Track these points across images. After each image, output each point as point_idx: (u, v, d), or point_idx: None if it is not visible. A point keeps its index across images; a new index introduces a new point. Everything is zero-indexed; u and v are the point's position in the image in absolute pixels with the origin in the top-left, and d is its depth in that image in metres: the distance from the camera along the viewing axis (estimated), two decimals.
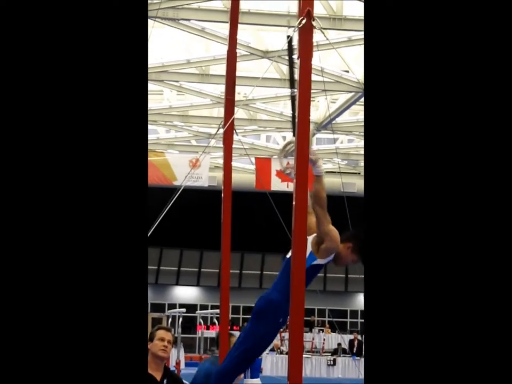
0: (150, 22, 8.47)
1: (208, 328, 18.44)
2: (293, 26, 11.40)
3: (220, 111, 16.54)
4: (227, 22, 5.13)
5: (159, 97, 17.14)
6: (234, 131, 5.03)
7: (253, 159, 16.40)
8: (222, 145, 5.07)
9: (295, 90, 4.78)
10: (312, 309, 25.62)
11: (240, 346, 4.18)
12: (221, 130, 5.02)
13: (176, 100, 17.06)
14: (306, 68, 3.28)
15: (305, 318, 3.49)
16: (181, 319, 14.17)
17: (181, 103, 16.94)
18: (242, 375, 5.50)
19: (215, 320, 13.90)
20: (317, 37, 3.30)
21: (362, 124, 2.80)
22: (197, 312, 18.24)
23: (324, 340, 21.99)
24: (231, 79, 5.02)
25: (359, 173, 19.78)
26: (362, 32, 2.71)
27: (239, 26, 5.11)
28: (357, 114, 17.17)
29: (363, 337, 19.30)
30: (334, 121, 16.65)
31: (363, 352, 16.75)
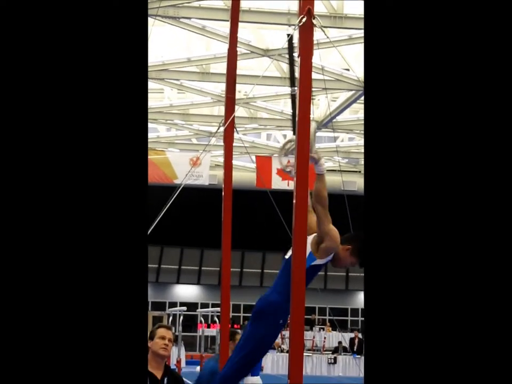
0: (150, 20, 8.47)
1: (208, 327, 18.46)
2: (293, 25, 11.40)
3: (220, 110, 16.54)
4: (228, 20, 5.13)
5: (159, 96, 17.14)
6: (234, 129, 5.03)
7: (254, 158, 16.39)
8: (222, 144, 5.06)
9: (295, 88, 4.78)
10: (313, 307, 25.64)
11: (241, 350, 4.16)
12: (222, 129, 5.02)
13: (176, 98, 17.06)
14: (306, 66, 3.28)
15: (305, 316, 3.49)
16: (181, 318, 14.17)
17: (182, 102, 16.93)
18: None
19: (216, 319, 13.91)
20: (318, 35, 3.30)
21: (363, 122, 2.79)
22: (197, 310, 18.23)
23: (325, 338, 22.00)
24: (231, 78, 5.02)
25: (360, 171, 19.77)
26: (363, 31, 2.71)
27: (240, 24, 5.11)
28: (357, 112, 17.17)
29: (364, 335, 19.31)
30: (334, 120, 16.64)
31: (364, 351, 16.75)
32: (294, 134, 4.59)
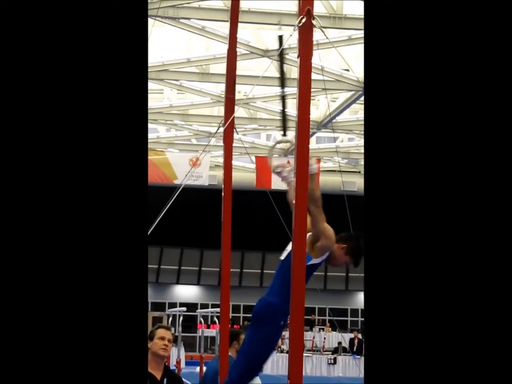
0: (150, 20, 8.46)
1: (208, 327, 18.44)
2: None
3: (220, 110, 16.54)
4: (227, 21, 5.13)
5: (159, 96, 17.14)
6: (234, 130, 5.03)
7: (253, 158, 16.39)
8: (222, 144, 5.06)
9: (285, 90, 4.78)
10: (313, 308, 25.64)
11: (245, 355, 4.15)
12: (221, 129, 5.02)
13: (176, 99, 17.06)
14: (306, 66, 3.28)
15: (305, 317, 3.49)
16: (181, 318, 14.17)
17: (181, 102, 16.94)
18: None
19: (216, 319, 13.90)
20: (317, 35, 3.30)
21: (363, 122, 2.79)
22: (197, 311, 18.23)
23: (325, 338, 22.01)
24: (231, 78, 5.02)
25: (359, 172, 19.78)
26: (363, 31, 2.71)
27: (239, 25, 5.11)
28: (357, 113, 17.17)
29: (363, 336, 19.32)
30: (334, 120, 16.64)
31: (363, 351, 16.77)
32: (284, 135, 4.59)
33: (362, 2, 2.64)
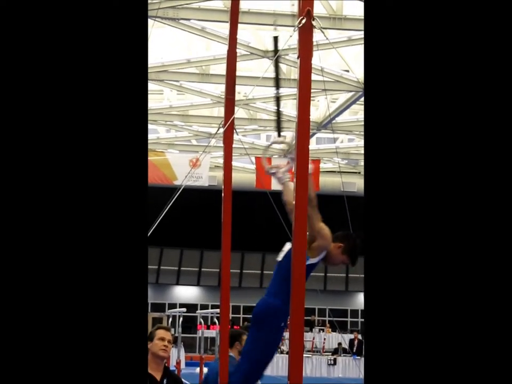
0: (150, 21, 8.47)
1: (208, 328, 18.43)
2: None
3: (220, 111, 16.55)
4: (227, 22, 5.13)
5: (159, 97, 17.14)
6: (234, 130, 5.02)
7: (253, 159, 16.40)
8: (222, 145, 5.06)
9: (279, 91, 4.78)
10: (313, 309, 25.63)
11: (247, 358, 4.15)
12: (221, 130, 5.02)
13: (176, 100, 17.06)
14: (306, 67, 3.28)
15: (305, 318, 3.49)
16: (181, 319, 14.17)
17: (181, 103, 16.94)
18: None
19: (216, 320, 13.90)
20: (317, 36, 3.29)
21: (362, 123, 2.80)
22: (197, 311, 18.24)
23: (324, 339, 22.00)
24: (231, 79, 5.01)
25: (359, 172, 19.79)
26: (362, 32, 2.71)
27: (239, 25, 5.10)
28: (356, 113, 17.18)
29: (363, 336, 19.32)
30: (334, 121, 16.65)
31: (363, 352, 16.75)
32: (278, 136, 4.62)
33: (362, 3, 2.64)
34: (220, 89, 15.39)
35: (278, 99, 4.83)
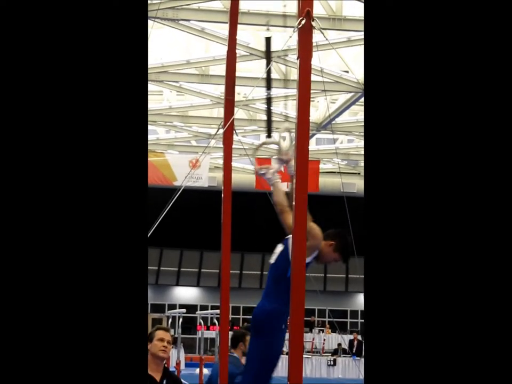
0: (149, 22, 8.46)
1: (208, 329, 18.42)
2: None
3: (219, 112, 16.54)
4: (227, 23, 5.13)
5: (158, 98, 17.13)
6: (234, 131, 5.03)
7: (253, 159, 16.39)
8: (221, 146, 5.06)
9: (270, 91, 4.80)
10: (312, 309, 25.62)
11: (254, 364, 4.13)
12: (221, 131, 5.02)
13: (176, 100, 17.05)
14: (306, 68, 3.28)
15: (305, 318, 3.48)
16: (181, 320, 14.16)
17: (181, 104, 16.93)
18: None
19: (215, 321, 13.90)
20: (317, 37, 3.30)
21: (362, 124, 2.80)
22: (197, 312, 18.21)
23: (324, 340, 21.99)
24: (230, 80, 5.02)
25: (359, 173, 19.78)
26: (362, 33, 2.72)
27: (239, 26, 5.11)
28: (356, 114, 17.17)
29: (363, 337, 19.31)
30: (333, 122, 16.64)
31: (363, 352, 16.75)
32: (268, 137, 4.64)
33: (362, 4, 2.64)
34: (219, 90, 15.38)
35: (269, 100, 4.87)
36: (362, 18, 2.70)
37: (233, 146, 5.04)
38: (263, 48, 13.15)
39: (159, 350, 4.43)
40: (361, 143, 17.95)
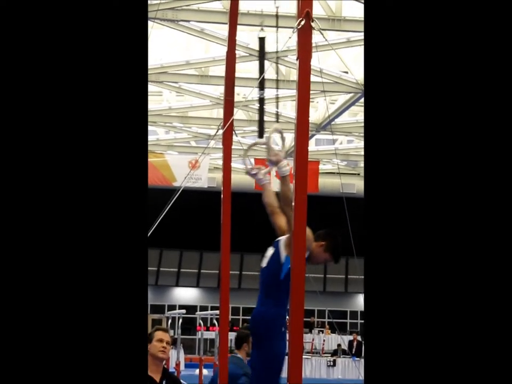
0: (149, 23, 8.46)
1: (208, 329, 18.41)
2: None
3: (219, 112, 16.54)
4: (226, 23, 5.13)
5: (158, 99, 17.14)
6: (233, 132, 5.03)
7: (252, 160, 16.39)
8: (221, 146, 5.06)
9: (263, 92, 4.79)
10: (312, 310, 25.61)
11: (260, 373, 4.12)
12: (220, 131, 5.02)
13: (175, 101, 17.06)
14: (305, 68, 3.28)
15: (304, 319, 3.49)
16: (180, 320, 14.15)
17: (180, 104, 16.93)
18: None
19: (215, 321, 13.89)
20: (316, 38, 3.30)
21: (361, 124, 2.80)
22: (196, 313, 18.20)
23: (324, 340, 21.98)
24: (230, 80, 5.02)
25: (359, 174, 19.79)
26: (361, 33, 2.72)
27: (238, 27, 5.11)
28: (356, 115, 17.18)
29: (363, 338, 19.32)
30: (333, 122, 16.65)
31: (363, 353, 16.75)
32: (259, 137, 4.65)
33: (361, 5, 2.64)
34: (219, 90, 15.38)
35: (261, 100, 4.87)
36: (362, 19, 2.70)
37: (233, 146, 5.03)
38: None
39: (158, 351, 4.42)
40: (361, 143, 17.96)
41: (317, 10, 11.49)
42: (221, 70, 13.72)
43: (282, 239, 4.23)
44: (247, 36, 13.06)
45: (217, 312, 6.18)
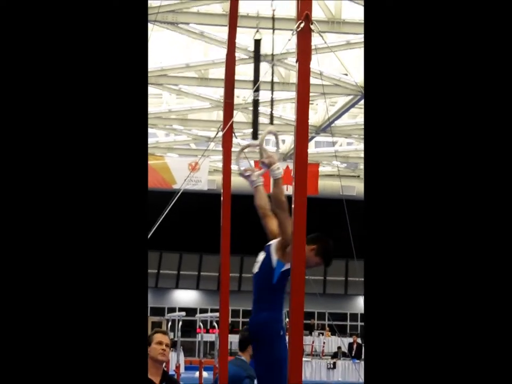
0: (149, 25, 8.46)
1: (208, 332, 18.41)
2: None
3: (219, 115, 16.55)
4: (226, 26, 5.13)
5: (158, 101, 17.14)
6: (233, 134, 5.03)
7: (252, 162, 16.38)
8: (221, 149, 5.07)
9: (257, 93, 4.79)
10: (312, 312, 25.61)
11: (266, 381, 4.11)
12: (220, 134, 5.02)
13: (175, 104, 17.07)
14: (305, 71, 3.28)
15: (304, 321, 3.48)
16: (180, 323, 14.16)
17: (180, 107, 16.95)
18: None
19: (215, 324, 13.89)
20: (316, 40, 3.30)
21: (361, 126, 2.80)
22: (196, 315, 18.21)
23: (324, 343, 21.98)
24: (230, 83, 5.02)
25: (358, 176, 19.79)
26: (361, 36, 2.72)
27: (238, 29, 5.11)
28: (355, 117, 17.19)
29: (363, 340, 19.30)
30: (333, 125, 16.66)
31: (363, 355, 16.73)
32: (253, 139, 4.64)
33: (361, 7, 2.64)
34: (218, 93, 15.40)
35: (256, 102, 4.86)
36: (361, 21, 2.71)
37: (233, 149, 5.04)
38: (262, 51, 13.15)
39: (157, 354, 4.42)
40: (361, 145, 17.97)
41: (317, 12, 11.50)
42: (220, 73, 13.73)
43: (273, 243, 4.23)
44: (246, 39, 13.06)
45: (217, 314, 6.18)
